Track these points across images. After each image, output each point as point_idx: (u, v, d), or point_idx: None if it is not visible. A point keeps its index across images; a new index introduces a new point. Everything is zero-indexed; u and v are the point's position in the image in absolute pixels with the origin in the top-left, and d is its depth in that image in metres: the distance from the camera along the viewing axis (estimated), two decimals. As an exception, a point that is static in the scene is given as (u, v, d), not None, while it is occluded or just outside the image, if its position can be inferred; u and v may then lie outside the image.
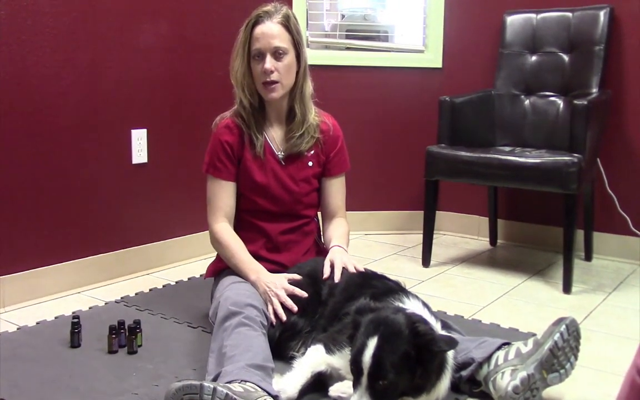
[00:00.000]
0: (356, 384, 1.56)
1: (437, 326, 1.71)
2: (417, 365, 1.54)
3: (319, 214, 2.37)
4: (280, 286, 2.01)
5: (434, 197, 3.09)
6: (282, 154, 2.21)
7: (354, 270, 2.06)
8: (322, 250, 2.34)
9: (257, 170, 2.18)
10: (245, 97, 2.18)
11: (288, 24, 2.12)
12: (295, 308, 1.98)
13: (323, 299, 2.01)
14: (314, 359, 1.77)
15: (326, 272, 2.06)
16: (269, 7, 2.13)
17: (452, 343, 1.60)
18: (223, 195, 2.20)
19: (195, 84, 3.13)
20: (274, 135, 2.22)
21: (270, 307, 1.97)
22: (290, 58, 2.13)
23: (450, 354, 1.70)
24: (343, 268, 2.07)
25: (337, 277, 2.03)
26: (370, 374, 1.52)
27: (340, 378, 1.75)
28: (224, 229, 2.18)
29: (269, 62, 2.09)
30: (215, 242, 2.20)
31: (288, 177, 2.21)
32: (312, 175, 2.25)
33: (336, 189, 2.31)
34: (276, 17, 2.11)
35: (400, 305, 1.75)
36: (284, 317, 1.96)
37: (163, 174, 3.03)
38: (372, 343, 1.53)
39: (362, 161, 3.04)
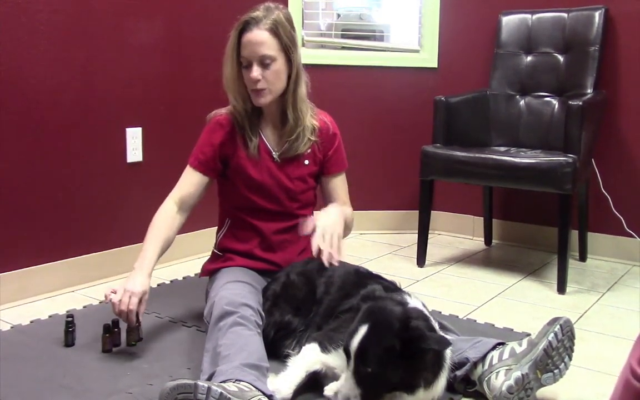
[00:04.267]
0: (346, 366, 1.59)
1: (435, 326, 1.71)
2: (401, 359, 1.54)
3: (315, 213, 2.37)
4: (135, 297, 1.98)
5: (429, 197, 3.09)
6: (278, 154, 2.21)
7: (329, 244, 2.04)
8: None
9: (252, 168, 2.18)
10: (238, 102, 2.17)
11: (276, 30, 2.07)
12: (132, 322, 2.00)
13: (318, 297, 2.00)
14: (309, 358, 1.77)
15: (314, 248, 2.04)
16: (258, 13, 2.08)
17: (443, 343, 1.59)
18: (185, 180, 2.20)
19: (190, 82, 3.13)
20: (270, 136, 2.21)
21: (117, 307, 1.97)
22: (278, 64, 2.09)
23: (448, 353, 1.70)
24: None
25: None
26: (356, 359, 1.56)
27: (336, 377, 1.74)
28: (164, 208, 2.17)
29: (256, 71, 2.06)
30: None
31: (283, 174, 2.20)
32: (308, 174, 2.25)
33: (338, 187, 2.32)
34: (264, 24, 2.06)
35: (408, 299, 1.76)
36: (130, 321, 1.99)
37: (158, 172, 3.02)
38: (362, 330, 1.56)
39: (357, 161, 3.03)
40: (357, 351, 1.55)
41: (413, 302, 1.76)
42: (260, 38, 2.06)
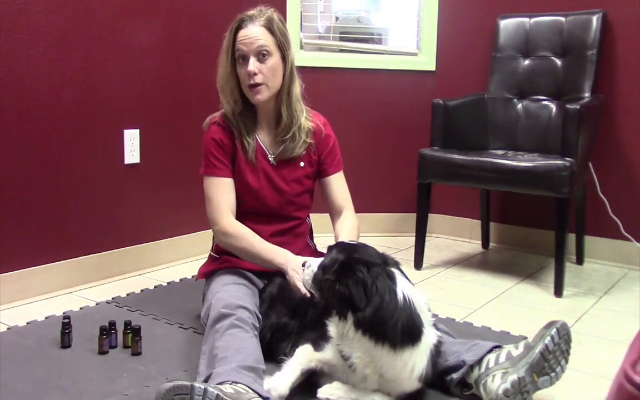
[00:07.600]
0: None
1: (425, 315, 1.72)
2: (334, 277, 1.68)
3: (311, 215, 2.37)
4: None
5: (426, 200, 3.09)
6: (274, 156, 2.20)
7: None
8: (314, 252, 2.34)
9: (249, 173, 2.17)
10: (229, 102, 2.16)
11: (271, 26, 2.10)
12: (306, 294, 1.95)
13: (314, 300, 2.00)
14: (303, 357, 1.77)
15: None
16: (252, 11, 2.12)
17: (358, 299, 1.63)
18: (222, 191, 2.15)
19: (188, 84, 3.13)
20: (265, 139, 2.21)
21: (296, 283, 1.97)
22: (274, 60, 2.10)
23: (432, 337, 1.70)
24: None
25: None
26: (328, 250, 1.80)
27: (332, 375, 1.75)
28: (234, 222, 2.13)
29: (253, 65, 2.07)
30: (228, 236, 2.11)
31: (279, 178, 2.20)
32: (304, 175, 2.25)
33: (337, 185, 2.29)
34: (259, 20, 2.09)
35: None
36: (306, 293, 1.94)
37: (155, 174, 3.02)
38: (350, 242, 1.89)
39: (354, 163, 3.05)
40: (333, 245, 1.83)
41: (408, 287, 1.72)
42: (257, 32, 2.08)
